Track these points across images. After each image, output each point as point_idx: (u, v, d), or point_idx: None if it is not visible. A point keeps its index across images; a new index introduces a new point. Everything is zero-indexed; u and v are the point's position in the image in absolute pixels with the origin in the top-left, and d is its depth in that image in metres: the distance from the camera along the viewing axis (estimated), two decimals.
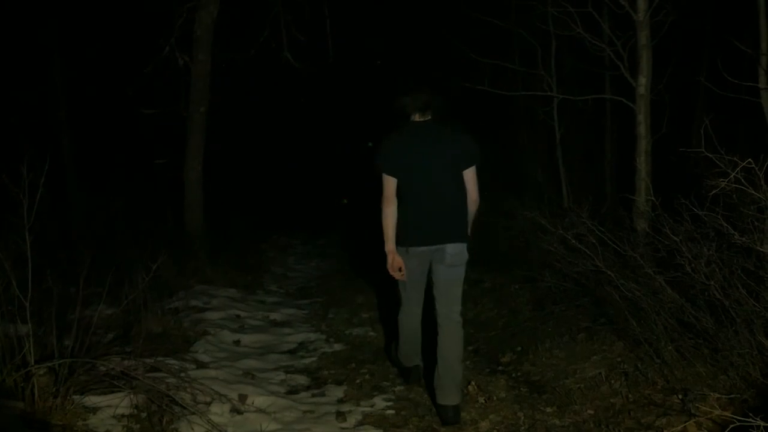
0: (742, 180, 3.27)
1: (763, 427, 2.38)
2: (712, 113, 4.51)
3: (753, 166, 3.25)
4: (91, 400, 3.50)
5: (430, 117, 3.82)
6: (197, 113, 7.56)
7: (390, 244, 3.78)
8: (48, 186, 3.74)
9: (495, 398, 4.00)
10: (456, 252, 3.74)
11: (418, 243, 3.75)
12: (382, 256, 3.83)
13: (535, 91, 6.75)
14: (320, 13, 8.25)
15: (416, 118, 3.81)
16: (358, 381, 4.50)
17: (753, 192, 3.31)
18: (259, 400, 3.97)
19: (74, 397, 3.44)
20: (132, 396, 3.54)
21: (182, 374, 4.07)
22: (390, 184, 3.72)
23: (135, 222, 7.46)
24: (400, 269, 3.80)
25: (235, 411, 3.78)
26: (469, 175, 3.78)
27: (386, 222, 3.75)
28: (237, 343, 5.29)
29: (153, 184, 8.23)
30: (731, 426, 2.44)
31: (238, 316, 6.00)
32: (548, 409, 3.76)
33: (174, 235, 7.44)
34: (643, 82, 5.24)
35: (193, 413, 3.55)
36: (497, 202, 7.61)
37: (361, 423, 3.78)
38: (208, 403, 3.78)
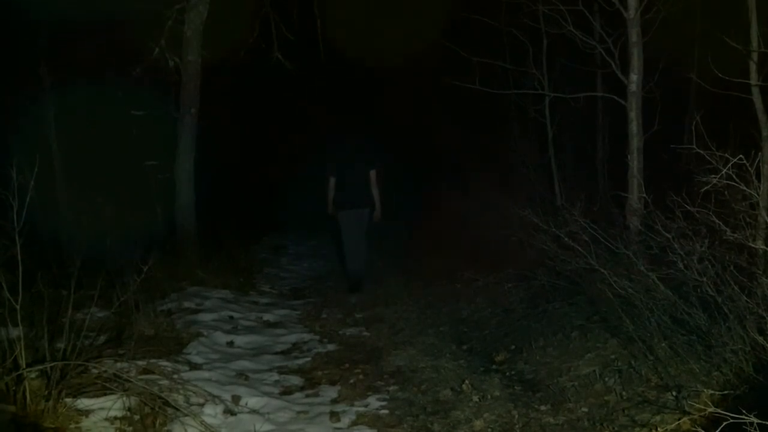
0: (734, 176, 3.28)
1: (757, 423, 2.38)
2: (703, 110, 4.51)
3: (744, 162, 3.25)
4: (84, 402, 3.47)
5: (356, 141, 7.26)
6: (188, 114, 7.52)
7: (329, 205, 7.32)
8: (37, 188, 3.71)
9: (489, 397, 4.00)
10: (364, 213, 7.24)
11: (346, 208, 7.26)
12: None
13: (527, 90, 6.74)
14: (311, 13, 8.23)
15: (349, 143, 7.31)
16: (351, 381, 4.49)
17: (744, 188, 3.32)
18: (253, 401, 3.97)
19: (66, 399, 3.41)
20: (125, 398, 3.52)
21: (175, 376, 4.05)
22: (330, 180, 7.27)
23: (126, 224, 7.40)
24: (333, 215, 7.39)
25: (229, 412, 3.77)
26: (372, 172, 7.20)
27: (328, 195, 7.28)
28: (230, 344, 5.27)
29: (144, 186, 8.17)
30: (725, 423, 2.44)
31: (231, 318, 5.98)
32: (542, 408, 3.76)
33: (165, 237, 7.40)
34: (634, 79, 5.24)
35: (187, 415, 3.53)
36: (490, 200, 7.61)
37: (354, 423, 3.78)
38: (202, 405, 3.77)
